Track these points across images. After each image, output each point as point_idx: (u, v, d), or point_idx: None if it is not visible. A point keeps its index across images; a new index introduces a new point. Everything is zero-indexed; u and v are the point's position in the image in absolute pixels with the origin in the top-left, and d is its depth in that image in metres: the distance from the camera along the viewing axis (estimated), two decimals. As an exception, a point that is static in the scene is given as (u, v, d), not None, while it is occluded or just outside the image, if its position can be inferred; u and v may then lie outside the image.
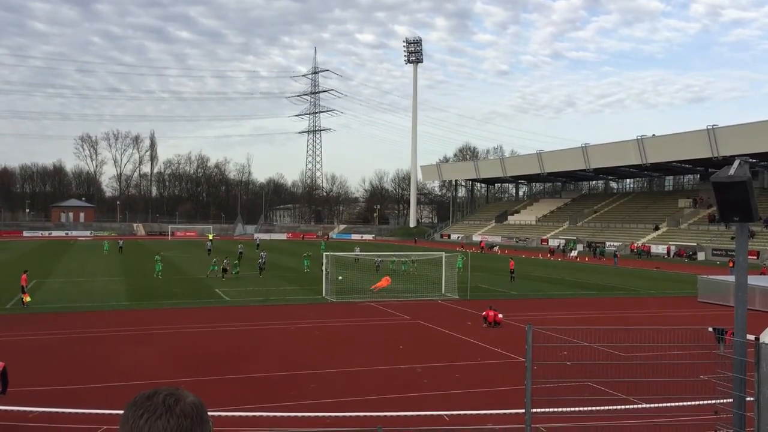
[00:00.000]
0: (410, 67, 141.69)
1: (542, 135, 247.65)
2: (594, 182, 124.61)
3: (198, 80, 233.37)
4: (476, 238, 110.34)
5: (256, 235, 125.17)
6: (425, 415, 15.48)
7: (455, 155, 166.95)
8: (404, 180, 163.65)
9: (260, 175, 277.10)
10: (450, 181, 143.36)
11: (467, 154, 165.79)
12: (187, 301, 35.01)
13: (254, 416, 15.31)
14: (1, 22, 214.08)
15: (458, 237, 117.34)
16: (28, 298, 32.02)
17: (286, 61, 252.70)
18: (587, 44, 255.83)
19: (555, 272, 56.59)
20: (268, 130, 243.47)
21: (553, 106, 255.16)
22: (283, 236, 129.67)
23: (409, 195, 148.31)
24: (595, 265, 67.19)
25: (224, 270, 45.41)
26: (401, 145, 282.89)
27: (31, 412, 15.55)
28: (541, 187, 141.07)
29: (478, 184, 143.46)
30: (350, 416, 15.39)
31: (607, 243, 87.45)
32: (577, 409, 15.00)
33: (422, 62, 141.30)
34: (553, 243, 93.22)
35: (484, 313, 28.56)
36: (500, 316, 28.20)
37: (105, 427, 14.35)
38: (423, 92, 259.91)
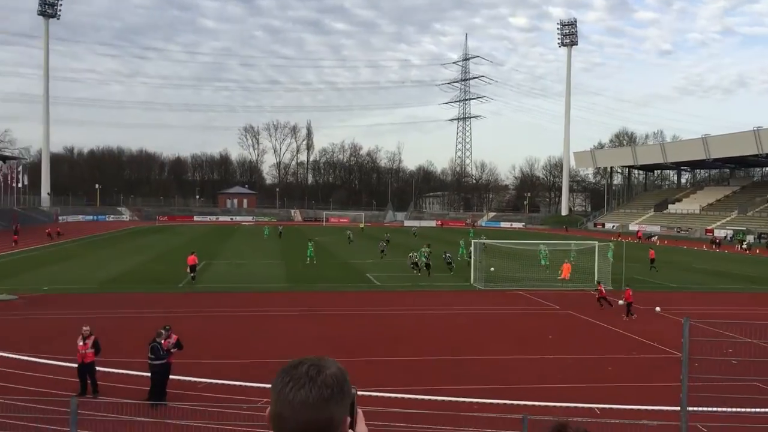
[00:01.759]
0: (564, 50, 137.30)
1: (708, 119, 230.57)
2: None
3: (352, 70, 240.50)
4: (633, 227, 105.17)
5: (406, 223, 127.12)
6: (574, 407, 15.13)
7: (611, 141, 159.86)
8: (556, 167, 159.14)
9: (410, 162, 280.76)
10: (605, 168, 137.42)
11: (624, 139, 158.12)
12: (339, 285, 36.33)
13: (401, 398, 15.69)
14: (175, 20, 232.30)
15: (613, 226, 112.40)
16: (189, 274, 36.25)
17: (437, 49, 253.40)
18: (764, 18, 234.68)
19: (722, 264, 52.79)
20: (418, 118, 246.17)
21: (721, 87, 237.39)
22: (432, 223, 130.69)
23: (561, 182, 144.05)
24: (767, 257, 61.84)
25: (414, 264, 42.39)
26: (553, 131, 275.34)
27: (200, 382, 16.92)
28: (706, 174, 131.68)
29: (636, 171, 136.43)
30: (496, 403, 15.36)
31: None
32: (741, 409, 14.02)
33: (577, 44, 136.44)
34: (720, 233, 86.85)
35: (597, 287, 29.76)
36: (629, 294, 27.79)
37: (265, 399, 15.32)
38: (577, 76, 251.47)
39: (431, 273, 39.73)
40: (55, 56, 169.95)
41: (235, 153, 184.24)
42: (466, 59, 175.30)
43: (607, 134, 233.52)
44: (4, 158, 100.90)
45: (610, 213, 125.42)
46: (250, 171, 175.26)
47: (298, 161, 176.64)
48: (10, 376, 17.03)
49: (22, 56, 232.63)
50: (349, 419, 1.72)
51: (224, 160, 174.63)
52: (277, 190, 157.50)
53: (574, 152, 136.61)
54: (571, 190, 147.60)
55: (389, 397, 15.73)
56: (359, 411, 1.79)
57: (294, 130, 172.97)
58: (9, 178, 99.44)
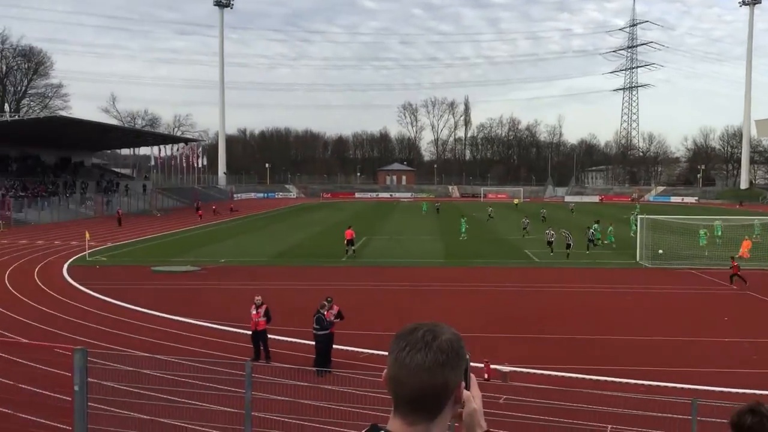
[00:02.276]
0: (745, 9, 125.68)
1: None
2: None
3: (510, 43, 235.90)
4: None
5: (566, 198, 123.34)
6: (751, 393, 14.07)
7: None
8: (734, 137, 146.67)
9: (571, 136, 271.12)
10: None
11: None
12: (497, 261, 36.08)
13: (563, 376, 15.40)
14: (337, 3, 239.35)
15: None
16: (347, 249, 38.01)
17: (602, 16, 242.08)
18: None
19: None
20: (580, 90, 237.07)
21: None
22: (595, 198, 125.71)
23: (740, 153, 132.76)
24: None
25: (590, 241, 40.53)
26: (731, 99, 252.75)
27: (361, 352, 17.60)
28: None
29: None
30: (664, 386, 14.64)
31: None
32: None
33: (760, 3, 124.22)
34: None
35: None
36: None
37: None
38: (759, 36, 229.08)
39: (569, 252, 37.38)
40: (229, 43, 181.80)
41: (394, 130, 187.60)
42: (633, 25, 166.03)
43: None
44: (186, 140, 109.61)
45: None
46: (408, 148, 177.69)
47: (456, 137, 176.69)
48: (192, 340, 18.69)
49: (199, 45, 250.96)
50: (463, 384, 1.75)
51: (384, 138, 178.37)
52: (435, 166, 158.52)
53: (756, 120, 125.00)
54: (752, 161, 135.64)
55: (548, 374, 15.49)
56: (473, 376, 1.81)
57: (452, 106, 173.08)
58: (190, 159, 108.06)
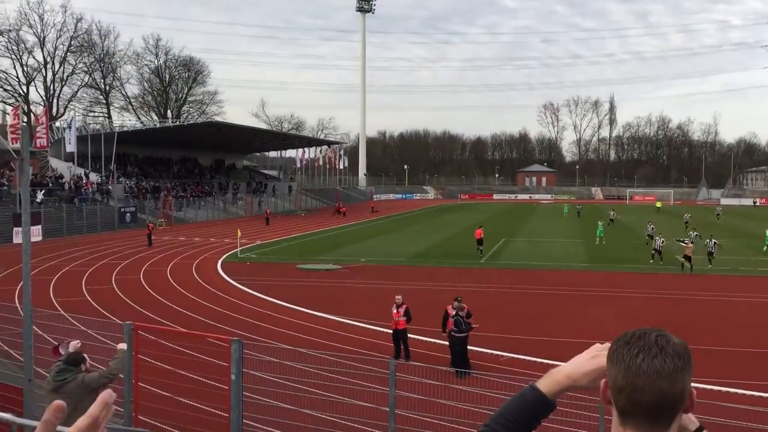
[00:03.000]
0: None
1: None
2: None
3: (660, 37, 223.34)
4: None
5: (722, 201, 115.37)
6: None
7: None
8: None
9: (729, 134, 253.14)
10: None
11: None
12: (640, 266, 34.40)
13: (727, 391, 14.45)
14: (477, 3, 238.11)
15: None
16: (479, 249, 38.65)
17: (764, 6, 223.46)
18: None
19: None
20: (739, 85, 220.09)
21: None
22: (750, 202, 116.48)
23: None
24: None
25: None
26: None
27: (501, 356, 17.44)
28: None
29: None
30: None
31: None
32: None
33: None
34: None
35: None
36: None
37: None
38: None
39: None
40: (370, 47, 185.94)
41: (534, 131, 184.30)
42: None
43: None
44: (329, 143, 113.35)
45: None
46: (549, 148, 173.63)
47: (600, 137, 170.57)
48: (334, 336, 19.33)
49: (342, 50, 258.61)
50: (695, 391, 1.68)
51: (523, 138, 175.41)
52: (577, 167, 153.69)
53: None
54: None
55: (711, 389, 14.58)
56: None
57: (595, 104, 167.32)
58: (333, 161, 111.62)
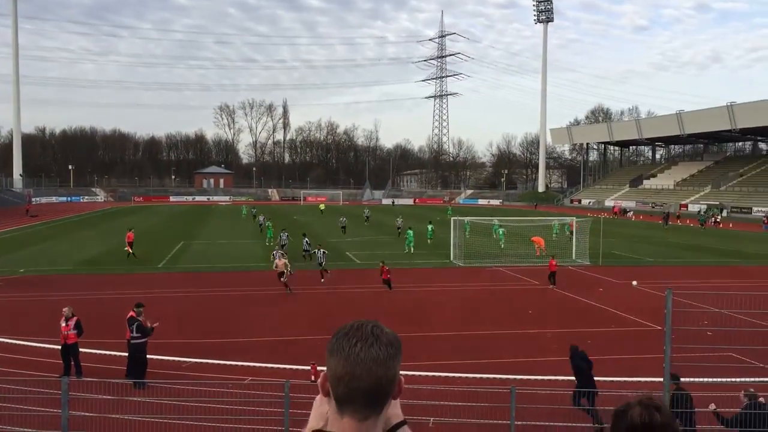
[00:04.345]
0: (540, 26, 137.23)
1: (683, 94, 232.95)
2: (740, 144, 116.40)
3: (328, 48, 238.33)
4: (609, 203, 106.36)
5: (384, 201, 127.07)
6: (557, 380, 15.40)
7: (587, 117, 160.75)
8: (533, 144, 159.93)
9: (388, 140, 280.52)
10: (581, 145, 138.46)
11: (599, 116, 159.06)
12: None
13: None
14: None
15: (589, 202, 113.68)
16: (128, 251, 37.36)
17: (414, 25, 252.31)
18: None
19: (695, 239, 53.63)
20: (395, 96, 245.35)
21: (696, 63, 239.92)
22: (410, 201, 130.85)
23: (538, 159, 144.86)
24: (740, 231, 62.91)
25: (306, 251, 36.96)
26: (530, 108, 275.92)
27: (184, 362, 16.93)
28: (680, 150, 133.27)
29: (611, 148, 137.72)
30: (482, 377, 15.58)
31: (754, 208, 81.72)
32: (718, 379, 14.37)
33: (553, 21, 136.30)
34: (694, 208, 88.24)
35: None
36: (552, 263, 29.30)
37: (250, 378, 15.38)
38: (553, 52, 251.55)
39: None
40: (24, 34, 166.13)
41: (211, 132, 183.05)
42: (442, 36, 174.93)
43: (583, 111, 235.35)
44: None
45: (587, 189, 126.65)
46: (226, 150, 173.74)
47: (275, 140, 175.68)
48: (-9, 359, 16.89)
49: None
50: (403, 378, 1.81)
51: (199, 140, 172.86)
52: (254, 169, 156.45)
53: (551, 129, 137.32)
54: (547, 166, 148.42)
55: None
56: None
57: (270, 108, 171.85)
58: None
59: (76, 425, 10.40)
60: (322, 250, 31.54)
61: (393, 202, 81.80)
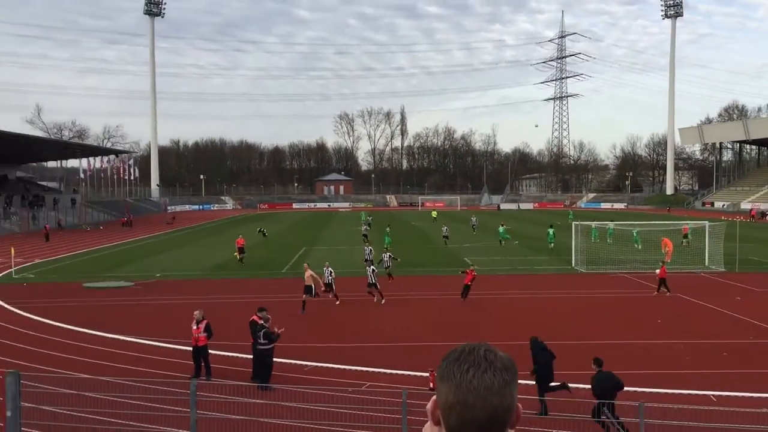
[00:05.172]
0: (668, 22, 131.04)
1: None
2: None
3: (445, 53, 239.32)
4: (745, 205, 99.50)
5: (502, 206, 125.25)
6: (689, 394, 14.50)
7: (719, 116, 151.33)
8: (660, 144, 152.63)
9: (506, 144, 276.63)
10: (713, 144, 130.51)
11: (734, 113, 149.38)
12: (436, 269, 36.27)
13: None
14: (271, 12, 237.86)
15: (723, 205, 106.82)
16: (238, 256, 39.70)
17: (533, 27, 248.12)
18: None
19: None
20: (513, 99, 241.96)
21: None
22: (529, 206, 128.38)
23: (666, 160, 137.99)
24: None
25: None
26: (656, 108, 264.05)
27: (306, 365, 17.35)
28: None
29: (748, 147, 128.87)
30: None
31: None
32: None
33: (682, 15, 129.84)
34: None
35: None
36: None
37: (369, 383, 15.53)
38: (682, 48, 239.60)
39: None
40: (160, 53, 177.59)
41: (331, 140, 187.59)
42: (562, 36, 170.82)
43: (715, 109, 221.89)
44: (117, 152, 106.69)
45: (720, 191, 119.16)
46: (345, 158, 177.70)
47: (393, 147, 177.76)
48: (130, 358, 18.05)
49: (129, 54, 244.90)
50: (520, 406, 1.69)
51: (320, 148, 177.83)
52: (373, 176, 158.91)
53: (680, 128, 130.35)
54: (676, 168, 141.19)
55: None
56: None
57: (388, 115, 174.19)
58: (121, 171, 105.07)
59: (203, 426, 10.88)
60: (388, 254, 31.54)
61: (498, 207, 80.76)
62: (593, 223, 46.48)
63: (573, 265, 36.60)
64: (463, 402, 1.59)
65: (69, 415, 11.64)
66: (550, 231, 46.62)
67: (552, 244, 45.00)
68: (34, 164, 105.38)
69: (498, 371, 1.62)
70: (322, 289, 25.80)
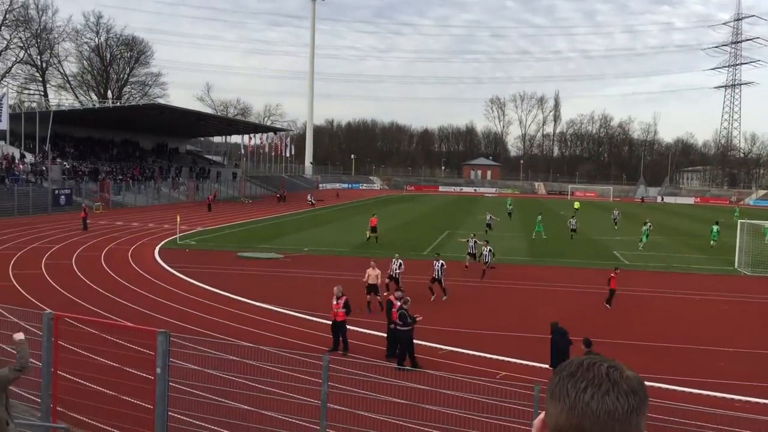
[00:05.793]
0: None
1: None
2: None
3: (606, 37, 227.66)
4: None
5: (658, 199, 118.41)
6: None
7: None
8: None
9: (667, 134, 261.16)
10: None
11: None
12: (583, 261, 34.93)
13: (656, 387, 14.62)
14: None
15: None
16: (368, 235, 40.40)
17: (706, 9, 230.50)
18: None
19: None
20: (678, 86, 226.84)
21: None
22: (689, 200, 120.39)
23: None
24: None
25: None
26: None
27: (441, 349, 17.31)
28: None
29: None
30: (761, 403, 13.67)
31: None
32: None
33: None
34: None
35: None
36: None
37: (504, 372, 15.22)
38: None
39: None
40: (319, 35, 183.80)
41: (481, 124, 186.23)
42: (738, 19, 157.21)
43: None
44: (275, 130, 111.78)
45: None
46: (494, 142, 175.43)
47: (544, 133, 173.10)
48: (273, 327, 18.90)
49: (291, 36, 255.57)
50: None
51: (469, 132, 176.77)
52: (521, 162, 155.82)
53: None
54: None
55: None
56: None
57: (541, 101, 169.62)
58: (279, 148, 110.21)
59: (336, 399, 11.11)
60: (488, 248, 30.23)
61: (642, 199, 76.00)
62: (767, 223, 42.60)
63: (736, 266, 33.87)
64: (578, 427, 1.32)
65: (210, 376, 12.33)
66: (715, 228, 43.25)
67: (714, 242, 41.87)
68: (202, 139, 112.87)
69: (623, 394, 1.32)
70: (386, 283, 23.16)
